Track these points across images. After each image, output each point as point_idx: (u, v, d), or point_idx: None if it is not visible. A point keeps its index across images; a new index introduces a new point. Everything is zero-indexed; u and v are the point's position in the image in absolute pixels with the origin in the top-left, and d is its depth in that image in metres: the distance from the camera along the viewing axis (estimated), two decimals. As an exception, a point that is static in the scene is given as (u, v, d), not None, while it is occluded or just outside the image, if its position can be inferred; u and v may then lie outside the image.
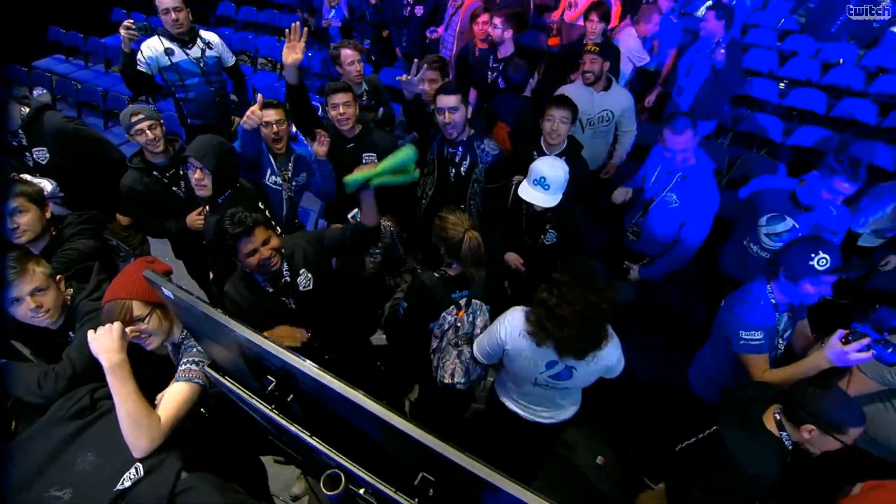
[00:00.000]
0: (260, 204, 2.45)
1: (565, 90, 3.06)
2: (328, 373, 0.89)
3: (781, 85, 5.23)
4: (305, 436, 0.97)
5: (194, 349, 1.58)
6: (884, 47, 5.41)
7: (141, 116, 2.39)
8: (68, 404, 1.52)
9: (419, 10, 4.38)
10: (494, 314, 2.04)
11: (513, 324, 1.81)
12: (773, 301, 1.91)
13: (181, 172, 2.56)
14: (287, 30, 2.38)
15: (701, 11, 6.01)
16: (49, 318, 1.71)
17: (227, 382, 1.10)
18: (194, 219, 2.50)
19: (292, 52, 2.38)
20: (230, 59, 3.49)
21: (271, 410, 1.01)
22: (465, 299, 2.09)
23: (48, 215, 2.09)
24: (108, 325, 1.42)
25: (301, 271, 2.02)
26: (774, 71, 5.37)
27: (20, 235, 2.02)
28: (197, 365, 1.54)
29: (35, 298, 1.67)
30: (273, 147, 2.56)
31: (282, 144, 2.57)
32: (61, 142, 2.64)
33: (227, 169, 2.25)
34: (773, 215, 2.42)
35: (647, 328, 3.12)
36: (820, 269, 1.75)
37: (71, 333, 1.77)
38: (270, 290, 1.96)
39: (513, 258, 2.66)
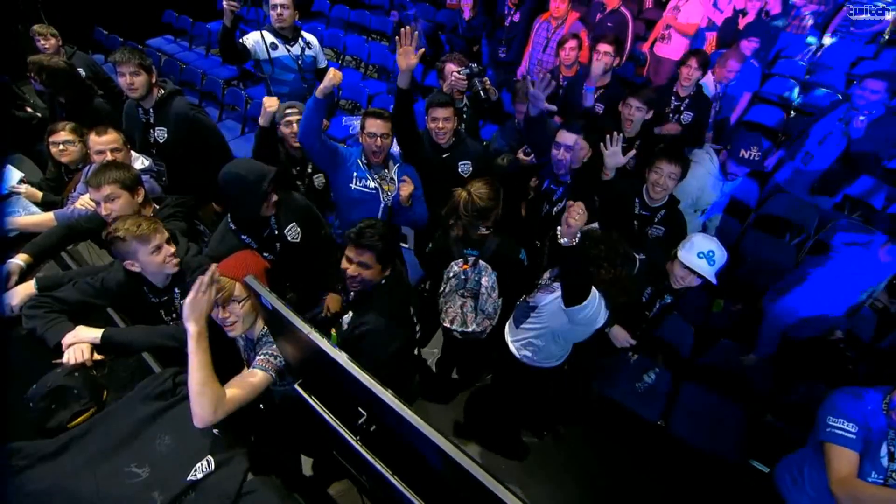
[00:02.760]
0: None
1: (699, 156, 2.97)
2: (424, 423, 0.89)
3: None
4: (388, 474, 0.97)
5: (273, 346, 1.64)
6: None
7: (295, 111, 2.57)
8: (154, 384, 1.62)
9: (517, 18, 4.41)
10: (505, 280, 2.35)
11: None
12: (887, 410, 1.72)
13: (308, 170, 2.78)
14: (400, 32, 2.40)
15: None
16: (174, 268, 1.91)
17: (314, 404, 1.12)
18: None
19: (406, 58, 2.40)
20: (323, 62, 3.66)
21: (356, 442, 1.02)
22: (473, 258, 2.31)
23: (139, 199, 2.19)
24: (205, 295, 1.49)
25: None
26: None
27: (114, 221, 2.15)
28: (274, 359, 1.60)
29: (169, 247, 1.87)
30: (371, 158, 2.52)
31: (381, 157, 2.53)
32: (179, 125, 2.82)
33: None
34: None
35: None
36: None
37: (176, 289, 1.97)
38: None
39: (622, 336, 2.41)
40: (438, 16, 6.15)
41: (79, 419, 1.56)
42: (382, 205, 2.58)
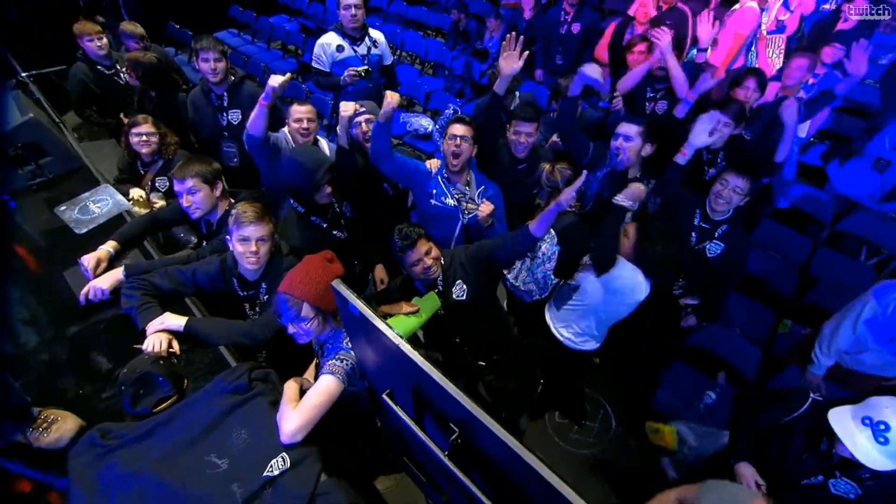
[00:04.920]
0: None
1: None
2: (512, 437, 0.88)
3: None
4: (479, 493, 0.97)
5: (343, 350, 1.66)
6: None
7: (364, 110, 2.64)
8: (230, 378, 1.67)
9: (576, 28, 4.28)
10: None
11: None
12: None
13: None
14: (506, 38, 2.42)
15: None
16: (256, 265, 1.98)
17: (403, 417, 1.12)
18: None
19: (511, 62, 2.40)
20: (389, 59, 3.63)
21: (446, 457, 1.02)
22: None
23: (217, 192, 2.29)
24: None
25: (457, 283, 2.24)
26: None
27: (194, 212, 2.26)
28: (342, 362, 1.63)
29: (257, 244, 1.92)
30: (450, 161, 2.47)
31: (460, 162, 2.46)
32: (253, 106, 2.94)
33: None
34: None
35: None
36: None
37: (263, 284, 2.05)
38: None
39: (748, 475, 1.84)
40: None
41: (163, 406, 1.64)
42: (460, 223, 2.57)
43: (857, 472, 1.57)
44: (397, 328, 2.00)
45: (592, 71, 2.48)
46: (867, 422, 1.49)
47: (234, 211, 1.93)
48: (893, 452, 1.45)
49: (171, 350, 1.78)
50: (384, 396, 1.17)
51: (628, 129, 2.55)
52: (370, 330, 1.20)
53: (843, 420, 1.54)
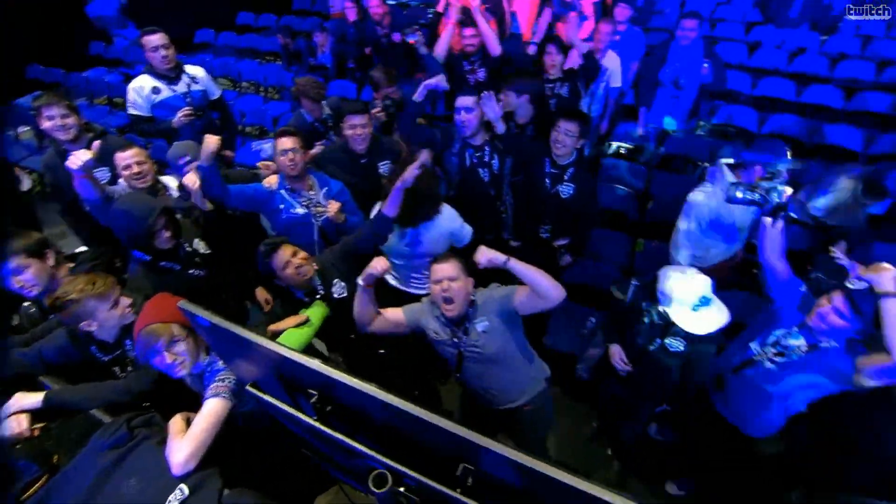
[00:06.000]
0: None
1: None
2: (364, 381, 0.98)
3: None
4: (352, 442, 1.06)
5: (220, 371, 1.66)
6: (843, 34, 5.66)
7: (188, 157, 2.58)
8: (107, 433, 1.59)
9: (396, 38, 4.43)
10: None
11: None
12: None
13: None
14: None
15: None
16: (134, 316, 1.86)
17: (268, 399, 1.18)
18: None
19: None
20: (215, 93, 3.53)
21: (316, 421, 1.09)
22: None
23: (51, 262, 2.16)
24: None
25: (335, 282, 2.29)
26: (744, 62, 5.58)
27: (30, 290, 2.09)
28: (223, 382, 1.63)
29: (109, 313, 1.82)
30: (289, 173, 2.54)
31: (297, 171, 2.54)
32: None
33: None
34: None
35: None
36: None
37: (127, 341, 1.93)
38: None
39: (618, 356, 2.29)
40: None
41: (31, 490, 1.51)
42: (315, 227, 2.65)
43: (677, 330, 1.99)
44: (290, 342, 2.04)
45: (438, 80, 2.84)
46: (696, 306, 1.87)
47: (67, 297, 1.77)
48: (720, 307, 1.90)
49: (32, 429, 1.64)
50: (248, 388, 1.21)
51: (465, 101, 2.73)
52: (223, 334, 1.23)
53: (692, 320, 1.89)
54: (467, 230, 2.67)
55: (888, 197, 2.63)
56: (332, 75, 4.79)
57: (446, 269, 1.96)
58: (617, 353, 2.26)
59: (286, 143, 2.50)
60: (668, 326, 2.01)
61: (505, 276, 2.09)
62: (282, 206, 2.60)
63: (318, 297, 2.28)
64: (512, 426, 2.35)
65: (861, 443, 1.97)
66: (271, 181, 2.63)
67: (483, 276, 2.09)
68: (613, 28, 3.95)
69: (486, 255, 1.90)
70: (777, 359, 1.92)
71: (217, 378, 1.63)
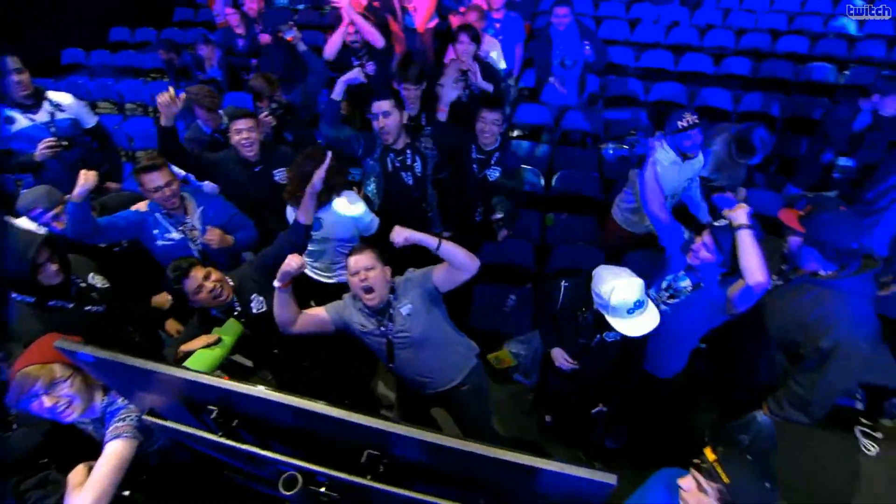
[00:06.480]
0: None
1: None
2: (261, 385, 0.98)
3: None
4: (257, 449, 1.04)
5: (121, 409, 1.55)
6: (706, 7, 6.23)
7: (53, 212, 2.32)
8: (-3, 501, 1.45)
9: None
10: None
11: None
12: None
13: None
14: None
15: None
16: None
17: (169, 425, 1.13)
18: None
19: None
20: (89, 120, 3.22)
21: (220, 437, 1.06)
22: None
23: None
24: None
25: (252, 297, 2.20)
26: (628, 38, 5.98)
27: None
28: (124, 421, 1.52)
29: None
30: (168, 207, 2.43)
31: (175, 203, 2.42)
32: None
33: None
34: None
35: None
36: None
37: None
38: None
39: (560, 357, 2.29)
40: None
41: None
42: (195, 252, 2.51)
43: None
44: (199, 364, 1.94)
45: (356, 74, 2.82)
46: (631, 311, 1.85)
47: None
48: (651, 309, 1.91)
49: None
50: (144, 417, 1.16)
51: (383, 105, 2.66)
52: (112, 367, 1.17)
53: (628, 324, 1.89)
54: (372, 219, 2.67)
55: (758, 153, 2.96)
56: (224, 88, 4.57)
57: (362, 260, 1.97)
58: (559, 355, 2.26)
59: (155, 180, 2.32)
60: (603, 323, 2.01)
61: (420, 262, 2.13)
62: (156, 232, 2.44)
63: (235, 313, 2.19)
64: (452, 408, 2.40)
65: (740, 370, 2.21)
66: (141, 206, 2.46)
67: (398, 264, 2.12)
68: (481, 14, 4.09)
69: (402, 234, 1.93)
70: (670, 301, 2.12)
71: (117, 417, 1.52)
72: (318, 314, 2.10)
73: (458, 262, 1.94)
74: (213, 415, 1.05)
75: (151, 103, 5.27)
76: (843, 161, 3.35)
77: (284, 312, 1.99)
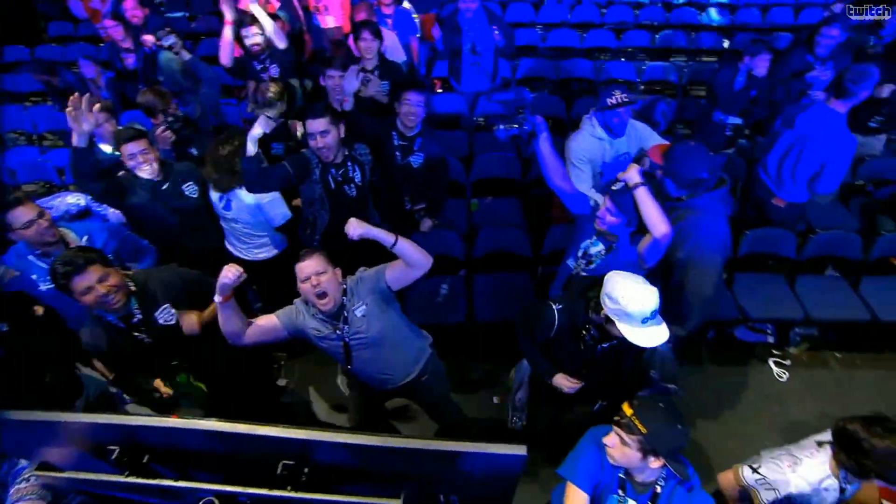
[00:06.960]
0: None
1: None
2: (161, 416, 0.93)
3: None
4: (170, 482, 0.99)
5: (24, 469, 1.42)
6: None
7: None
8: None
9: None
10: None
11: None
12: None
13: None
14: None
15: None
16: None
17: (65, 476, 1.05)
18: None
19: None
20: None
21: (126, 476, 1.00)
22: None
23: None
24: None
25: (162, 307, 2.05)
26: (534, 19, 6.13)
27: None
28: (28, 481, 1.38)
29: None
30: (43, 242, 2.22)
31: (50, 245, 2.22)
32: None
33: None
34: None
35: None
36: None
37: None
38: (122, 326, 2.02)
39: (565, 383, 2.12)
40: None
41: None
42: None
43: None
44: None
45: (256, 127, 2.44)
46: (645, 321, 1.72)
47: None
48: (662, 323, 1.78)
49: None
50: (35, 472, 1.07)
51: (319, 124, 2.44)
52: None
53: (641, 335, 1.74)
54: (279, 211, 2.72)
55: (660, 126, 3.15)
56: (119, 109, 4.17)
57: (311, 265, 1.90)
58: (563, 381, 2.09)
59: (25, 213, 2.13)
60: (605, 334, 1.92)
61: (370, 260, 2.10)
62: (35, 277, 2.22)
63: (133, 322, 2.01)
64: (415, 396, 2.39)
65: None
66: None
67: (348, 265, 2.08)
68: (370, 9, 4.08)
69: (357, 229, 1.88)
70: (587, 267, 2.21)
71: (20, 479, 1.39)
72: (269, 322, 2.01)
73: (413, 259, 1.91)
74: (115, 455, 0.99)
75: (34, 130, 4.77)
76: (731, 119, 3.64)
77: (231, 326, 1.90)
